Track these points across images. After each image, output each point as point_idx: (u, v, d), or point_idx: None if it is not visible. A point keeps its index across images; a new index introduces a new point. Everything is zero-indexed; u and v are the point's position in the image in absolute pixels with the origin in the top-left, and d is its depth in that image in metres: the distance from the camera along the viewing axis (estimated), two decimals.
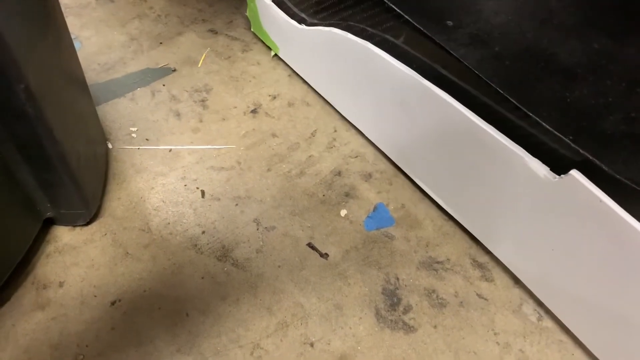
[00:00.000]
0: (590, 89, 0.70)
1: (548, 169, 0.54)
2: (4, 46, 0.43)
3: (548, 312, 0.61)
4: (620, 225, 0.48)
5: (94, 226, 0.65)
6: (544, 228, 0.57)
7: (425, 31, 0.61)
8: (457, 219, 0.67)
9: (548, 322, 0.61)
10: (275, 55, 0.86)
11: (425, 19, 0.68)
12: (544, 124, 0.54)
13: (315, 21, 0.73)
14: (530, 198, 0.56)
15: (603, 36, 0.76)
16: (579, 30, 0.77)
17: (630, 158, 0.62)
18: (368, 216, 0.69)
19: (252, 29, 0.88)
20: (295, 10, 0.75)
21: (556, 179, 0.52)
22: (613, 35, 0.76)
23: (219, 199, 0.69)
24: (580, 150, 0.52)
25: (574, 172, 0.51)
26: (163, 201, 0.68)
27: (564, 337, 0.60)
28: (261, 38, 0.87)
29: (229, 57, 0.87)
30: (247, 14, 0.86)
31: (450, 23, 0.76)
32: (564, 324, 0.60)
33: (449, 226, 0.69)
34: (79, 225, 0.64)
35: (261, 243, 0.65)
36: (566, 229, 0.54)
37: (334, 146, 0.77)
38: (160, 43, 0.88)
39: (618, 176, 0.50)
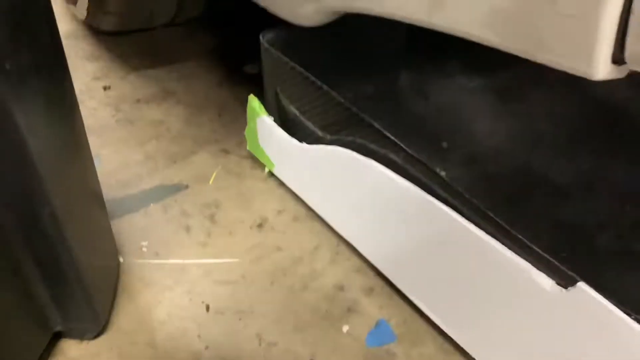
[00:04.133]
0: (581, 207, 0.74)
1: (554, 282, 0.55)
2: (36, 175, 0.48)
3: None
4: (630, 335, 0.49)
5: (101, 340, 0.66)
6: (553, 343, 0.57)
7: (417, 156, 0.65)
8: (456, 340, 0.67)
9: None
10: (270, 172, 0.91)
11: (420, 141, 0.73)
12: (533, 246, 0.57)
13: (327, 135, 0.77)
14: (536, 312, 0.57)
15: (591, 156, 0.81)
16: (568, 150, 0.82)
17: (624, 276, 0.64)
18: (370, 332, 0.71)
19: (247, 148, 0.94)
20: (308, 124, 0.81)
21: (563, 292, 0.53)
22: (600, 155, 0.81)
23: (223, 313, 0.71)
24: (570, 271, 0.54)
25: (581, 284, 0.52)
26: (169, 315, 0.70)
27: None
28: (256, 156, 0.92)
29: (239, 174, 0.93)
30: (246, 132, 0.92)
31: (445, 144, 0.82)
32: None
33: (450, 343, 0.70)
34: (87, 339, 0.66)
35: (263, 359, 0.66)
36: (576, 343, 0.54)
37: (337, 260, 0.80)
38: (175, 162, 0.94)
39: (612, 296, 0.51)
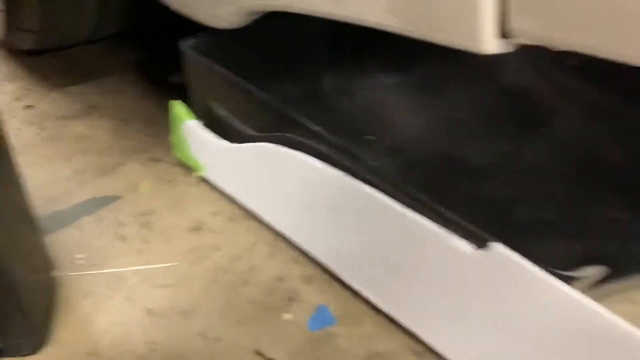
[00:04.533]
0: (499, 185, 0.80)
1: (474, 246, 0.59)
2: None
3: None
4: (543, 287, 0.54)
5: (41, 355, 0.65)
6: (481, 304, 0.62)
7: (341, 143, 0.69)
8: (393, 316, 0.71)
9: None
10: (202, 177, 0.92)
11: (346, 135, 0.77)
12: (453, 217, 0.61)
13: (259, 134, 0.79)
14: (461, 277, 0.62)
15: (504, 139, 0.87)
16: (483, 135, 0.88)
17: (538, 242, 0.70)
18: (311, 317, 0.73)
19: (174, 154, 0.94)
20: (236, 124, 0.82)
21: (482, 253, 0.58)
22: (512, 137, 0.88)
23: (166, 316, 0.72)
24: (492, 238, 0.58)
25: (496, 245, 0.57)
26: (110, 323, 0.70)
27: None
28: (185, 161, 0.93)
29: (171, 181, 0.94)
30: (171, 139, 0.93)
31: (370, 137, 0.86)
32: None
33: (386, 321, 0.73)
34: (26, 355, 0.65)
35: (208, 355, 0.67)
36: (498, 303, 0.60)
37: (275, 254, 0.82)
38: (105, 174, 0.94)
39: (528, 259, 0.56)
